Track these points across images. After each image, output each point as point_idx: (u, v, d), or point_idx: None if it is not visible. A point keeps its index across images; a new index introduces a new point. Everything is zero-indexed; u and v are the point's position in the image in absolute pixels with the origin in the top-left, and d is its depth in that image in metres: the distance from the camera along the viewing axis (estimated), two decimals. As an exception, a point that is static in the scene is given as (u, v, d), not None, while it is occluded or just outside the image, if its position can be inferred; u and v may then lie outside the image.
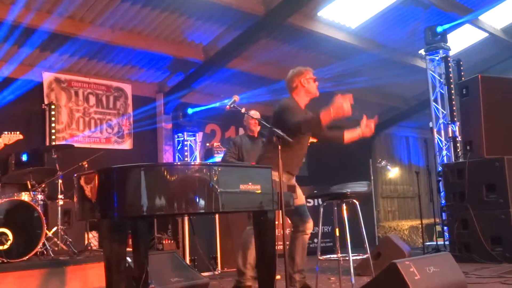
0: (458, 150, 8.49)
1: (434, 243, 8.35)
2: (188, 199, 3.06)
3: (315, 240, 8.74)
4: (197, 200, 3.07)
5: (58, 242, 6.13)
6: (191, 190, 3.05)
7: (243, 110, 3.78)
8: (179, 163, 4.04)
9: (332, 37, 9.07)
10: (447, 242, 7.65)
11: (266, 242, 3.50)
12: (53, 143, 7.77)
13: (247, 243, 4.53)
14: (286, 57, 9.68)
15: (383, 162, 10.77)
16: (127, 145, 9.08)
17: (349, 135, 4.54)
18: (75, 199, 3.43)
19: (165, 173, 3.06)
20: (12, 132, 5.60)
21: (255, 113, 5.55)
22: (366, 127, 4.43)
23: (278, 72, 9.81)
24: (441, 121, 9.02)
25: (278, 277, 3.81)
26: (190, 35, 8.53)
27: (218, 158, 8.06)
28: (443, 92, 9.05)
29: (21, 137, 5.67)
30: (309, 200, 8.85)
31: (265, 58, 9.39)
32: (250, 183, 3.24)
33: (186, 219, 6.49)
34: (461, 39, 10.40)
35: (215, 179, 3.08)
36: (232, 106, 3.79)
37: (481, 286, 4.76)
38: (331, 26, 8.99)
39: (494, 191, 6.62)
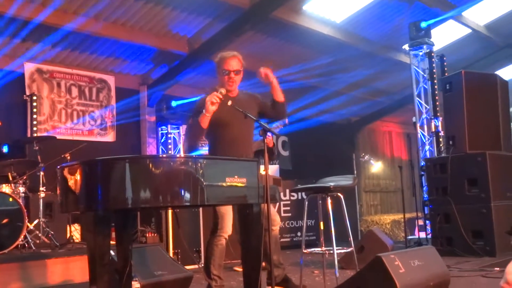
0: (441, 145, 8.57)
1: (416, 237, 8.42)
2: (173, 191, 3.03)
3: (299, 234, 8.79)
4: (182, 193, 3.03)
5: (40, 235, 6.06)
6: (176, 182, 3.02)
7: (229, 103, 3.74)
8: (164, 156, 3.99)
9: (317, 31, 9.07)
10: (429, 236, 7.72)
11: (251, 236, 3.49)
12: (35, 134, 7.67)
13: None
14: (271, 51, 9.66)
15: (366, 156, 10.86)
16: (110, 137, 9.00)
17: (274, 93, 4.27)
18: (58, 191, 3.39)
19: (150, 165, 3.02)
20: None
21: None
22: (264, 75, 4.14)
23: (262, 65, 9.78)
24: (424, 116, 9.08)
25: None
26: (175, 27, 8.46)
27: (202, 151, 8.02)
28: (426, 87, 9.12)
29: None
30: (293, 194, 8.88)
31: (250, 51, 9.33)
32: (236, 176, 3.21)
33: (170, 212, 6.46)
34: (445, 35, 10.47)
35: (200, 172, 3.04)
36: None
37: (463, 279, 4.82)
38: (316, 20, 8.99)
39: (476, 186, 6.70)
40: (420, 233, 8.52)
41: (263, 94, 4.50)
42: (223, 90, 3.80)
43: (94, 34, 7.87)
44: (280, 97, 4.26)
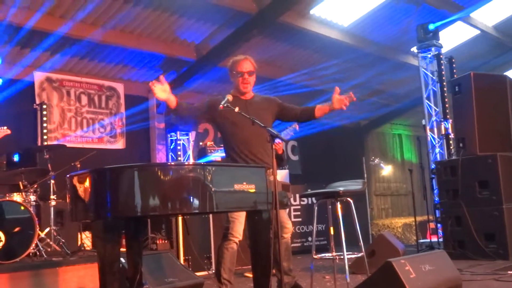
0: (451, 147, 8.52)
1: (428, 240, 8.37)
2: (182, 199, 3.04)
3: (309, 239, 8.76)
4: (191, 200, 3.04)
5: (51, 243, 6.09)
6: (185, 190, 3.02)
7: (236, 110, 3.74)
8: (172, 163, 4.01)
9: (325, 35, 9.05)
10: (440, 240, 7.67)
11: (260, 241, 3.48)
12: (45, 143, 7.71)
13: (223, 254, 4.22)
14: (279, 56, 9.67)
15: (376, 160, 10.79)
16: (119, 144, 9.04)
17: (320, 110, 4.34)
18: (68, 200, 3.40)
19: (159, 173, 3.03)
20: (0, 128, 5.54)
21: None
22: (338, 101, 4.21)
23: (271, 70, 9.82)
24: (433, 118, 9.04)
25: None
26: (182, 34, 8.49)
27: (211, 157, 8.04)
28: (435, 89, 9.08)
29: (8, 132, 5.61)
30: (302, 198, 8.87)
31: (257, 57, 9.23)
32: (244, 183, 3.21)
33: (180, 218, 6.46)
34: (453, 36, 10.42)
35: (209, 178, 3.05)
36: (225, 105, 3.76)
37: (476, 283, 4.78)
38: (323, 24, 8.98)
39: (487, 188, 6.65)
40: (432, 236, 8.46)
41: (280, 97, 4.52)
42: (230, 97, 3.81)
43: (103, 42, 7.91)
44: (320, 115, 4.36)
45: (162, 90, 3.85)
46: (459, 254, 6.56)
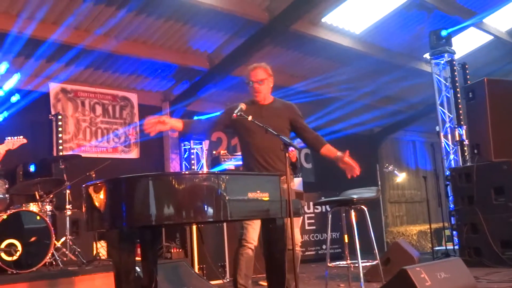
0: (466, 153, 8.46)
1: (443, 247, 8.30)
2: (196, 207, 3.05)
3: (324, 247, 8.73)
4: (205, 209, 3.06)
5: (67, 252, 6.14)
6: (199, 198, 3.04)
7: (249, 118, 3.76)
8: (186, 172, 4.04)
9: (337, 43, 9.07)
10: (456, 247, 7.61)
11: (275, 250, 3.49)
12: (61, 153, 7.78)
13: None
14: (291, 64, 9.69)
15: (390, 167, 10.74)
16: (134, 154, 9.10)
17: (327, 151, 4.27)
18: (83, 209, 3.43)
19: (173, 182, 3.05)
20: (16, 137, 5.61)
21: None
22: (347, 167, 4.20)
23: (283, 78, 9.83)
24: (447, 125, 8.99)
25: None
26: (195, 44, 8.55)
27: (225, 166, 8.06)
28: (449, 96, 9.03)
29: (24, 141, 5.68)
30: (316, 206, 8.85)
31: (270, 65, 9.32)
32: (258, 191, 3.22)
33: (194, 227, 6.48)
34: (466, 42, 10.38)
35: (223, 187, 3.07)
36: (238, 114, 3.78)
37: (492, 290, 4.73)
38: (335, 32, 9.00)
39: (503, 195, 6.59)
40: (447, 243, 8.40)
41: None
42: (243, 106, 3.84)
43: (116, 53, 7.99)
44: (324, 155, 4.29)
45: (161, 124, 3.85)
46: (475, 261, 6.50)
